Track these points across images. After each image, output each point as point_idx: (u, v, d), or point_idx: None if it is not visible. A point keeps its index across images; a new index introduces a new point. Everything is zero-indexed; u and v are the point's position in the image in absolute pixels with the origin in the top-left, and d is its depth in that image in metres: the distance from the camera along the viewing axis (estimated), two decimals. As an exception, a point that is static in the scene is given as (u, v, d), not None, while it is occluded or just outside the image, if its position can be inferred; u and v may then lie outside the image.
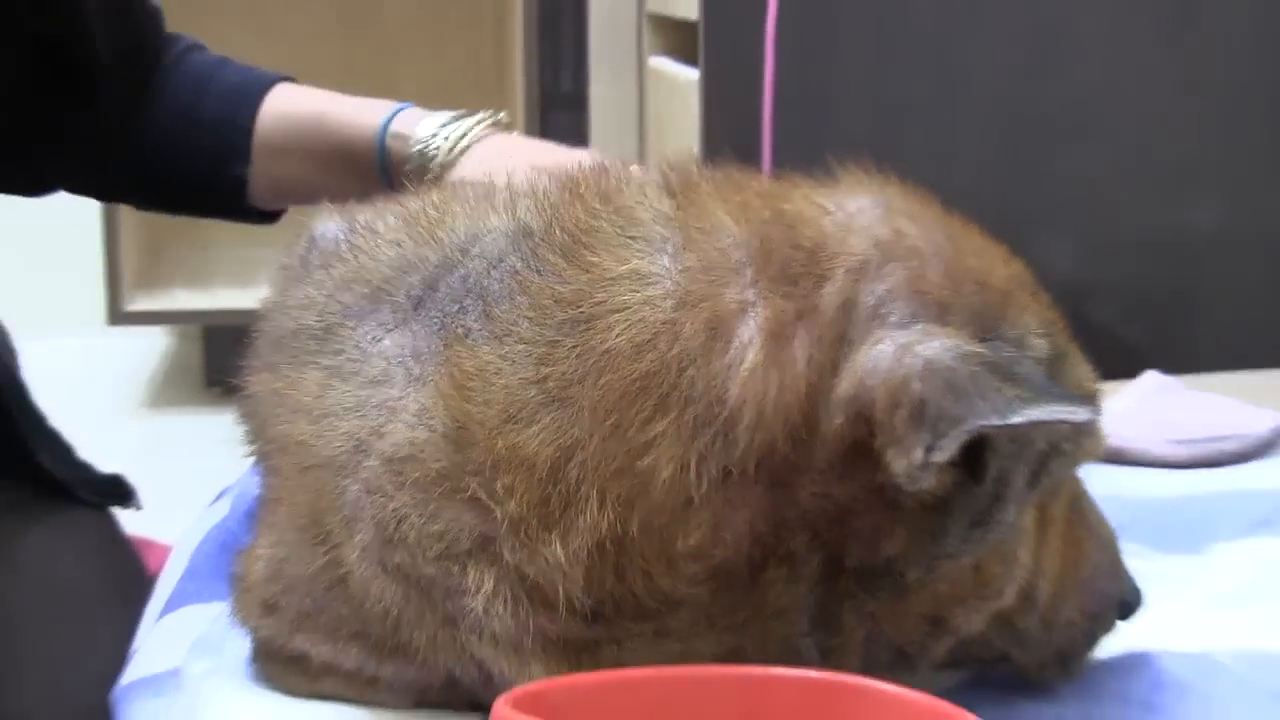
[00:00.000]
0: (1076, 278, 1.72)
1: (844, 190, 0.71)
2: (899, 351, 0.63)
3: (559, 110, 2.76)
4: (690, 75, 1.82)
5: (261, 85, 1.29)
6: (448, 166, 1.18)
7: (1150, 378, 1.41)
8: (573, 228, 0.71)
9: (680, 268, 0.67)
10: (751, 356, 0.65)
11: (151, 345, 3.15)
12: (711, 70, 1.74)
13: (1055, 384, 0.66)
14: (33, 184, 1.38)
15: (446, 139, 1.19)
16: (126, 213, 2.68)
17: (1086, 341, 0.76)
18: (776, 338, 0.65)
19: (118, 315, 2.73)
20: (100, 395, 2.87)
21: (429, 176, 1.17)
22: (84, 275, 2.75)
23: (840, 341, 0.65)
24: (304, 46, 2.87)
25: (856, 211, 0.69)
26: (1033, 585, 0.72)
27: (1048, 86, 1.72)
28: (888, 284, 0.65)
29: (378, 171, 1.21)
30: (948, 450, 0.61)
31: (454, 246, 0.77)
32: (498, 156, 1.15)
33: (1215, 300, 1.75)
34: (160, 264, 2.92)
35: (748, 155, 1.64)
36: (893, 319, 0.65)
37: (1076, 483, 0.76)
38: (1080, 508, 0.76)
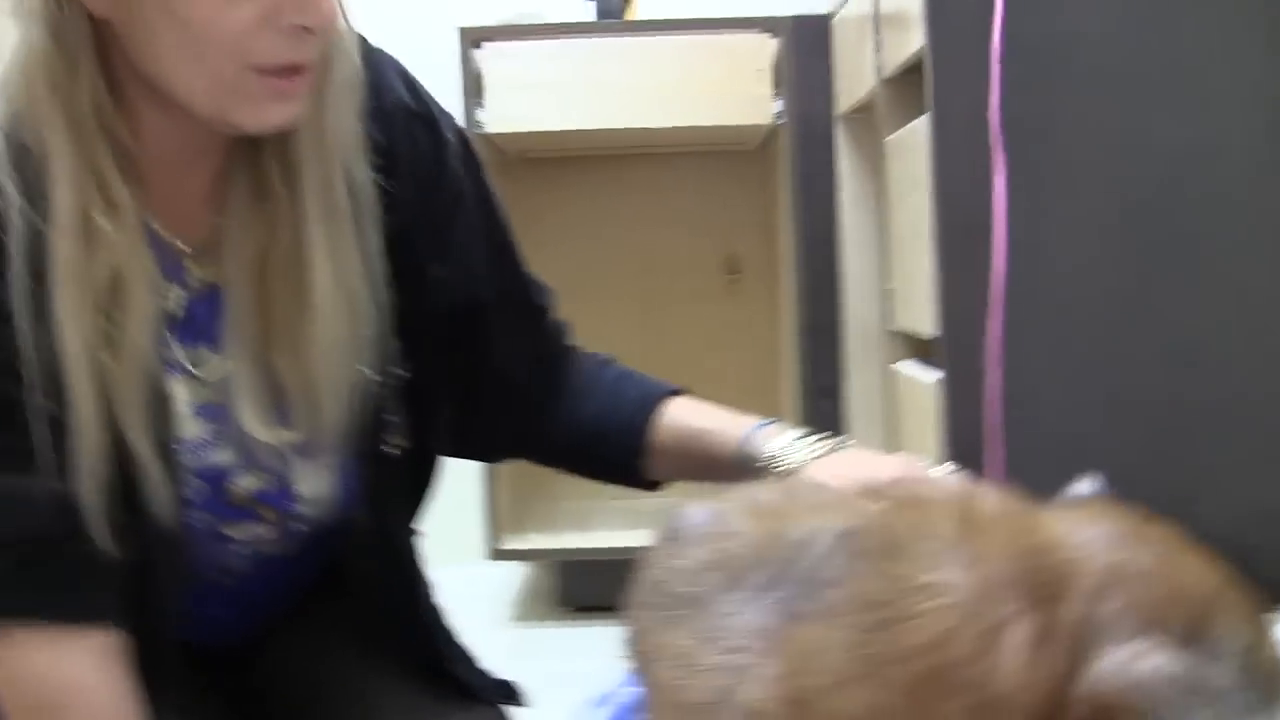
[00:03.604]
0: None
1: (1083, 519, 0.75)
2: (1121, 667, 0.67)
3: (819, 400, 2.78)
4: (930, 377, 1.87)
5: (658, 398, 1.37)
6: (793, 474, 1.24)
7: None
8: (886, 536, 0.77)
9: (964, 584, 0.72)
10: (1014, 660, 0.70)
11: (516, 574, 3.22)
12: (952, 379, 1.79)
13: (1242, 684, 0.68)
14: (486, 454, 1.52)
15: (796, 453, 1.26)
16: (501, 477, 2.81)
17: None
18: (1033, 647, 0.70)
19: (493, 552, 2.83)
20: (480, 612, 2.94)
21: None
22: (470, 522, 2.84)
23: (1079, 650, 0.69)
24: (614, 338, 3.00)
25: (1091, 541, 0.73)
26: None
27: (1205, 390, 1.76)
28: (1115, 605, 0.70)
29: (739, 472, 1.27)
30: None
31: (795, 545, 0.81)
32: (833, 467, 1.21)
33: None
34: (524, 513, 3.01)
35: (978, 447, 1.71)
36: (1118, 635, 0.68)
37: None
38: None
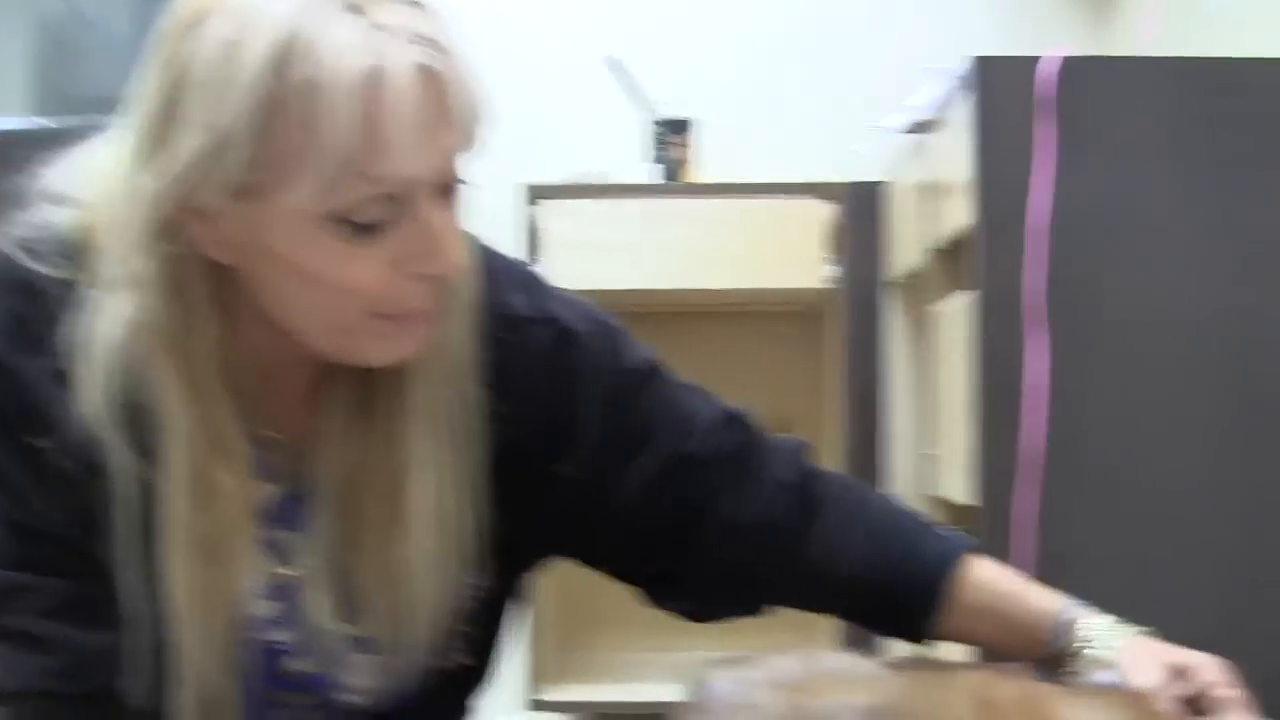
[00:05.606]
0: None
1: (1095, 706, 0.80)
2: None
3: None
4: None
5: (959, 554, 1.26)
6: (1102, 660, 1.18)
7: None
8: (907, 716, 0.80)
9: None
10: None
11: (554, 725, 3.22)
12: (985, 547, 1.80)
13: None
14: (731, 608, 1.35)
15: (1117, 637, 1.20)
16: (542, 627, 2.82)
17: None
18: None
19: (532, 703, 2.84)
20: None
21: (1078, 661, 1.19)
22: (511, 671, 2.85)
23: None
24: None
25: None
26: None
27: (1259, 553, 1.77)
28: None
29: (1050, 648, 1.21)
30: None
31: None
32: (1149, 652, 1.17)
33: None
34: (564, 665, 3.02)
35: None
36: None
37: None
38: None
